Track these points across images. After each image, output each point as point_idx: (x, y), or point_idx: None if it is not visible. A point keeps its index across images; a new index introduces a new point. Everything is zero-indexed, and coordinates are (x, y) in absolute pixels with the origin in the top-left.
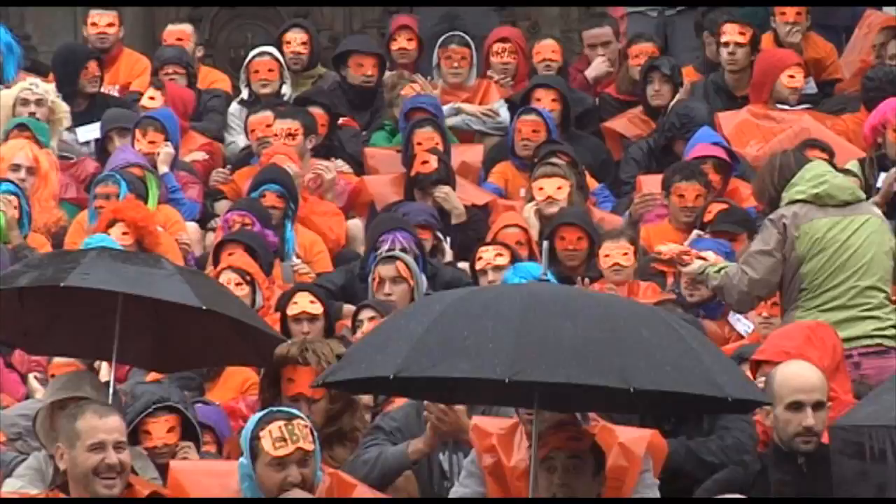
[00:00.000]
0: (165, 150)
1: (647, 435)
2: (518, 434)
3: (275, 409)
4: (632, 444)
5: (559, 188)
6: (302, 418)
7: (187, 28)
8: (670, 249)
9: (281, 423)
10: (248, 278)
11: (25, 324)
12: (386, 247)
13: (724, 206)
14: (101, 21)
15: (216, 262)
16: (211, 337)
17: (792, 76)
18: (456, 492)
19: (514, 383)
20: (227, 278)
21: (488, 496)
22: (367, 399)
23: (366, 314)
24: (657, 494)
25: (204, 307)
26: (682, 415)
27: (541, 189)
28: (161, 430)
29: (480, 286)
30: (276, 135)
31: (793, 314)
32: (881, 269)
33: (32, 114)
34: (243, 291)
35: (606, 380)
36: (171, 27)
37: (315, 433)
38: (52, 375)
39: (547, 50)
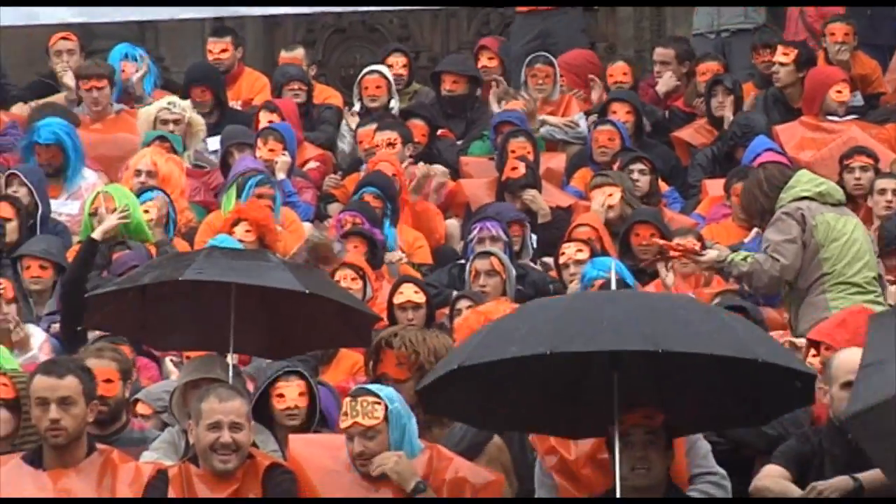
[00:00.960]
0: (283, 159)
1: None
2: None
3: (358, 386)
4: None
5: (610, 195)
6: (372, 395)
7: (300, 52)
8: (679, 244)
9: (350, 399)
10: (360, 273)
11: (146, 319)
12: (476, 232)
13: None
14: (216, 48)
15: None
16: (316, 322)
17: (839, 91)
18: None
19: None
20: (343, 273)
21: (562, 495)
22: None
23: (463, 303)
24: (713, 461)
25: (307, 291)
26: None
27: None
28: (293, 392)
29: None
30: (377, 145)
31: (823, 297)
32: (875, 263)
33: (171, 130)
34: (357, 285)
35: (638, 345)
36: (284, 52)
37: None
38: (188, 357)
39: (618, 72)
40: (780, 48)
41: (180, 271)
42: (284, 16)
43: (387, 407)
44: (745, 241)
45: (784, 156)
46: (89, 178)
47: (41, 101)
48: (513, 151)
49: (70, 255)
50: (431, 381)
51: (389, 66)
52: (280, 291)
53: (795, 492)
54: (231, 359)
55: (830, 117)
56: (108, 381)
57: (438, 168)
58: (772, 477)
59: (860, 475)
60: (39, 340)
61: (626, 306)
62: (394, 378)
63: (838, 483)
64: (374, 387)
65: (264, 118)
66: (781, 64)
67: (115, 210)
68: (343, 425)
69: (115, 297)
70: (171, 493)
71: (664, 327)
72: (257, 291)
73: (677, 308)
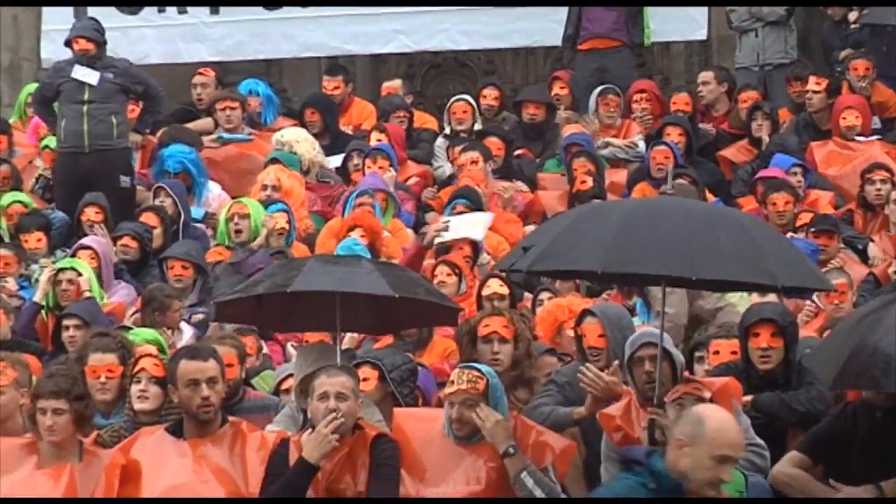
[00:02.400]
0: (389, 175)
1: (725, 380)
2: (633, 410)
3: (466, 363)
4: (719, 392)
5: None
6: (476, 370)
7: (397, 82)
8: None
9: (458, 370)
10: (456, 270)
11: (264, 320)
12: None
13: (813, 214)
14: (330, 85)
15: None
16: (414, 307)
17: (844, 118)
18: (604, 470)
19: None
20: (442, 269)
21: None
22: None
23: (545, 295)
24: (753, 434)
25: (396, 295)
26: None
27: None
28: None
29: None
30: (463, 163)
31: None
32: None
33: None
34: (452, 280)
35: (677, 271)
36: (386, 83)
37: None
38: (305, 340)
39: (681, 101)
40: (812, 78)
41: (289, 282)
42: (388, 53)
43: (487, 381)
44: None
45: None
46: (213, 190)
47: (170, 126)
48: (577, 168)
49: (210, 257)
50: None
51: (483, 98)
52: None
53: (809, 485)
54: (338, 342)
55: (858, 138)
56: (229, 364)
57: (509, 184)
58: (788, 470)
59: (883, 483)
60: (189, 334)
61: (666, 229)
62: (500, 337)
63: (860, 491)
64: (477, 364)
65: (374, 138)
66: (814, 92)
67: (247, 216)
68: (448, 391)
69: (236, 302)
70: (292, 456)
71: (703, 253)
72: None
73: (716, 229)
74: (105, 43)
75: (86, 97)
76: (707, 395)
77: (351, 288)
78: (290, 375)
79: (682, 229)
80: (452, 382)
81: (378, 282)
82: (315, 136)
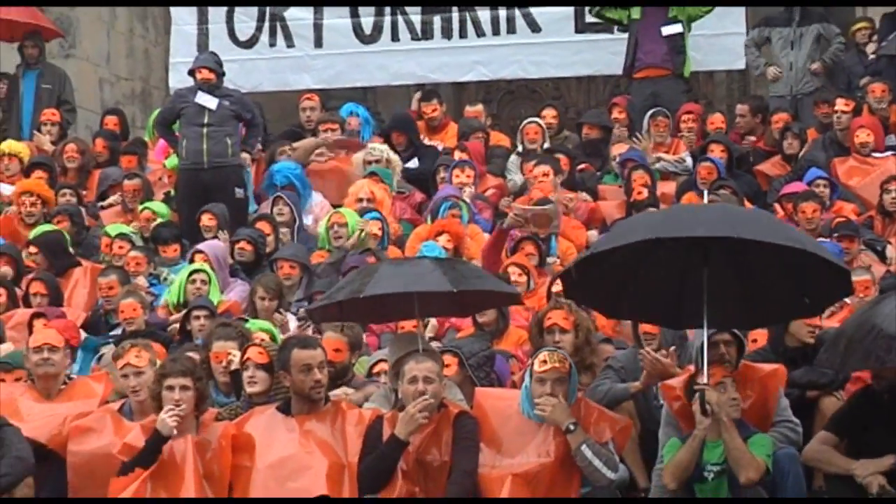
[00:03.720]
0: (469, 190)
1: (776, 367)
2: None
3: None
4: (769, 375)
5: None
6: (563, 353)
7: (479, 107)
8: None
9: (547, 352)
10: (525, 270)
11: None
12: None
13: (841, 219)
14: (429, 109)
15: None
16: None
17: (857, 136)
18: (662, 434)
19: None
20: (514, 270)
21: (684, 432)
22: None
23: None
24: (790, 413)
25: (455, 290)
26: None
27: None
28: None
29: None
30: (536, 175)
31: None
32: None
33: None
34: (522, 279)
35: (719, 232)
36: (469, 107)
37: (571, 362)
38: (401, 327)
39: (717, 120)
40: (841, 101)
41: (363, 288)
42: (469, 81)
43: (570, 364)
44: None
45: (830, 181)
46: (315, 199)
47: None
48: (635, 180)
49: (314, 259)
50: (571, 265)
51: (543, 117)
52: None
53: (833, 458)
54: (420, 330)
55: (875, 154)
56: (338, 350)
57: (581, 195)
58: (817, 447)
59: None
60: (294, 325)
61: (717, 210)
62: (561, 328)
63: (875, 463)
64: (551, 347)
65: (457, 155)
66: (843, 112)
67: (344, 224)
68: (541, 369)
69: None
70: (387, 433)
71: (744, 223)
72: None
73: (759, 216)
74: (223, 74)
75: (205, 120)
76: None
77: (414, 288)
78: (381, 361)
79: (722, 209)
80: (545, 362)
81: (439, 279)
82: (402, 152)
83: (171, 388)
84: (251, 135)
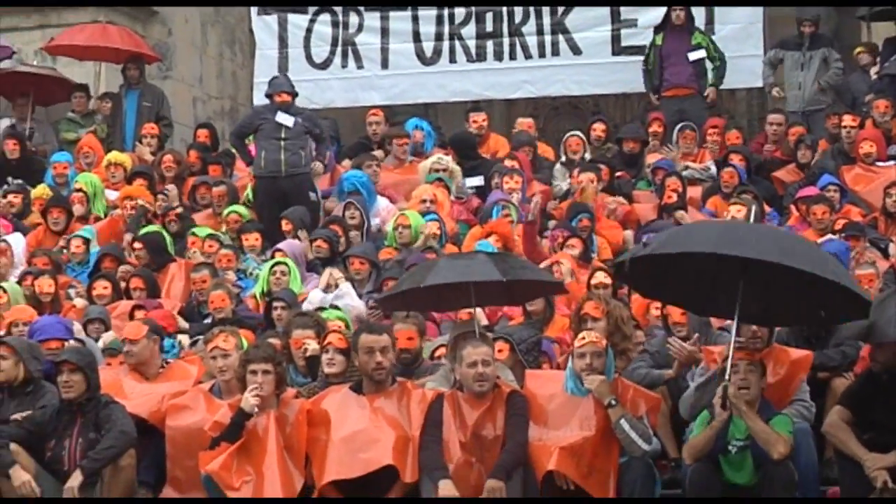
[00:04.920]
0: (517, 196)
1: (806, 354)
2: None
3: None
4: (799, 360)
5: (739, 211)
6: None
7: (529, 120)
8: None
9: (586, 332)
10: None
11: (411, 308)
12: (644, 238)
13: (847, 220)
14: (479, 118)
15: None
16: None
17: (861, 147)
18: (690, 389)
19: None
20: (557, 268)
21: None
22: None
23: None
24: (807, 395)
25: (505, 279)
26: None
27: (729, 213)
28: (495, 350)
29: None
30: (580, 181)
31: None
32: None
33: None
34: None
35: (768, 256)
36: (521, 119)
37: (608, 345)
38: (460, 318)
39: (733, 136)
40: (848, 116)
41: (423, 279)
42: (518, 98)
43: (606, 345)
44: (819, 241)
45: (840, 186)
46: (381, 203)
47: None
48: (667, 186)
49: (382, 255)
50: (629, 257)
51: (593, 130)
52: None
53: (846, 440)
54: (476, 319)
55: (878, 163)
56: (410, 338)
57: (619, 199)
58: (837, 423)
59: None
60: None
61: (766, 234)
62: (593, 317)
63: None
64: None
65: (508, 163)
66: (850, 126)
67: (409, 226)
68: (580, 345)
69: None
70: (447, 410)
71: (787, 249)
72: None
73: (789, 237)
74: (297, 95)
75: (283, 135)
76: (756, 357)
77: (468, 278)
78: (442, 346)
79: (771, 234)
80: (583, 339)
81: (491, 270)
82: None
83: (254, 372)
84: (320, 151)
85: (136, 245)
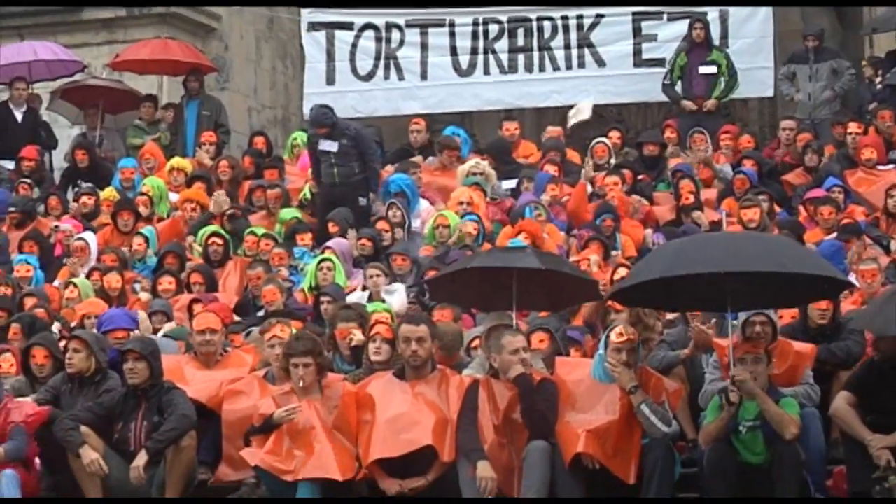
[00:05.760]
0: (545, 198)
1: (810, 347)
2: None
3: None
4: (801, 351)
5: (755, 213)
6: (628, 326)
7: (557, 129)
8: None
9: (622, 326)
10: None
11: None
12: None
13: (851, 219)
14: (511, 126)
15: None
16: (565, 288)
17: (863, 153)
18: (709, 376)
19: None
20: (583, 266)
21: (724, 378)
22: None
23: None
24: (812, 379)
25: (544, 268)
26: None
27: (745, 215)
28: (536, 339)
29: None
30: (606, 183)
31: None
32: None
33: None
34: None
35: (772, 267)
36: (550, 127)
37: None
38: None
39: (745, 140)
40: (853, 124)
41: (469, 263)
42: (547, 107)
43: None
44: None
45: (845, 188)
46: (423, 205)
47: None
48: (683, 187)
49: (422, 253)
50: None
51: (609, 137)
52: (531, 269)
53: (852, 424)
54: (513, 312)
55: (879, 167)
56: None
57: (640, 199)
58: (844, 406)
59: None
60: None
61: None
62: (618, 310)
63: (888, 440)
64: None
65: (549, 168)
66: (855, 132)
67: (447, 226)
68: (619, 339)
69: (439, 282)
70: (482, 395)
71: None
72: (535, 272)
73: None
74: (335, 119)
75: (332, 160)
76: (760, 351)
77: (509, 263)
78: (477, 337)
79: (775, 243)
80: (621, 334)
81: (531, 260)
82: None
83: (295, 365)
84: (371, 177)
85: (214, 240)
